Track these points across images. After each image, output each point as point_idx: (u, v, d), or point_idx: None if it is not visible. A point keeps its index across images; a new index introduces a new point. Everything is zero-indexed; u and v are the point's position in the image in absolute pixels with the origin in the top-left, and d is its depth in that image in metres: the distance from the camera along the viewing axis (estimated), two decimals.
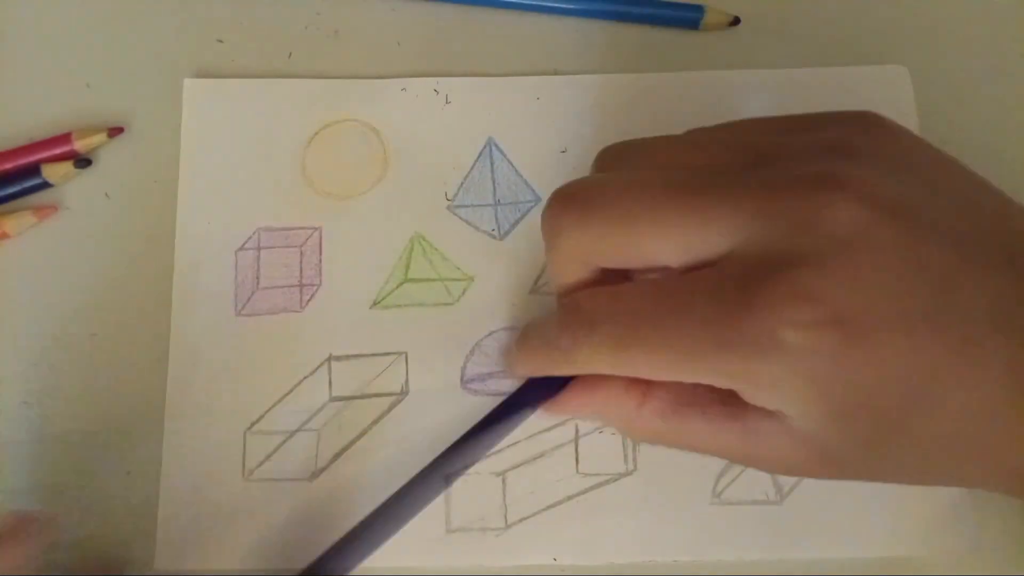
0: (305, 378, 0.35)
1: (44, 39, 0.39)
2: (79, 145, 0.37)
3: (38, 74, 0.38)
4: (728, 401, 0.26)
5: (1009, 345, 0.23)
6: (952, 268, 0.24)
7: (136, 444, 0.34)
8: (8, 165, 0.37)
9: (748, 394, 0.25)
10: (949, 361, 0.23)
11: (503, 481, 0.34)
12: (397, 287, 0.35)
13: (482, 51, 0.38)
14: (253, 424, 0.34)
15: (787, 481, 0.33)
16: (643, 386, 0.28)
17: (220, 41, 0.39)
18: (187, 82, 0.37)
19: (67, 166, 0.36)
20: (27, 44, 0.39)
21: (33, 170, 0.36)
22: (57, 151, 0.37)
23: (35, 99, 0.38)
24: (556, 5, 0.38)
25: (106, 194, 0.37)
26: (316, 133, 0.37)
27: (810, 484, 0.33)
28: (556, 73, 0.38)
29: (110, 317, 0.36)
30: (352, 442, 0.34)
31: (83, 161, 0.36)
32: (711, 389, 0.26)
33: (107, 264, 0.36)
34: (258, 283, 0.36)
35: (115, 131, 0.37)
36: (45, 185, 0.37)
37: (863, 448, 0.25)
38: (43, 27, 0.39)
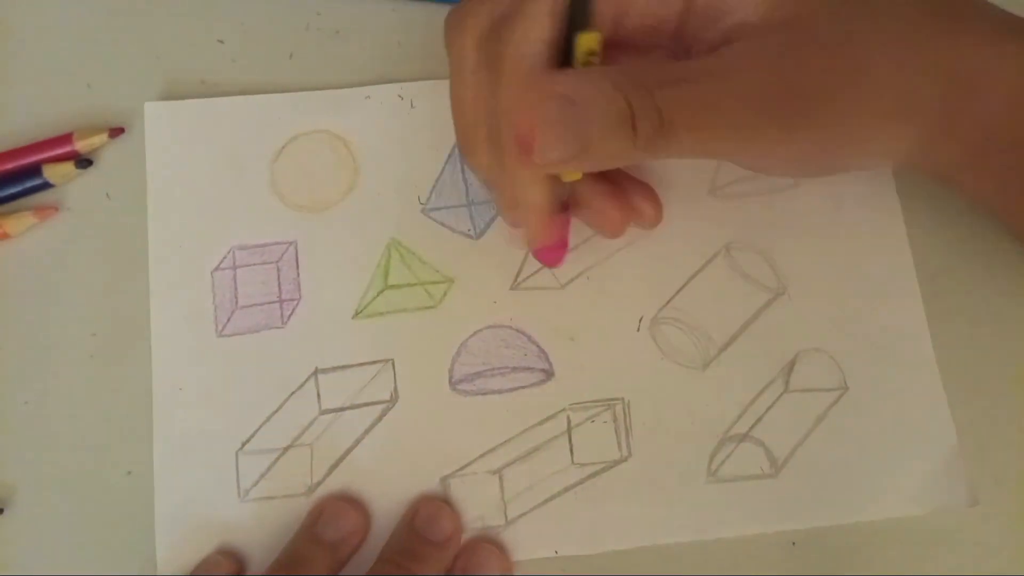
0: (293, 393, 0.35)
1: (45, 40, 0.39)
2: (80, 145, 0.36)
3: (39, 74, 0.38)
4: None
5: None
6: None
7: (136, 444, 0.34)
8: (10, 165, 0.36)
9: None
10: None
11: (500, 478, 0.34)
12: (378, 295, 0.35)
13: None
14: (244, 444, 0.34)
15: (781, 453, 0.34)
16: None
17: (221, 42, 0.38)
18: (148, 106, 0.37)
19: (68, 166, 0.36)
20: (28, 44, 0.39)
21: (34, 170, 0.36)
22: (58, 151, 0.36)
23: (36, 99, 0.38)
24: None
25: (107, 194, 0.37)
26: (283, 147, 0.37)
27: (803, 455, 0.34)
28: None
29: (110, 317, 0.35)
30: (346, 453, 0.34)
31: (84, 162, 0.36)
32: None
33: (107, 264, 0.36)
34: (237, 302, 0.35)
35: (116, 131, 0.37)
36: (46, 185, 0.36)
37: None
38: (44, 28, 0.39)
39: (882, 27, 0.28)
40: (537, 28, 0.28)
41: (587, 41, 0.28)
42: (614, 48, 0.30)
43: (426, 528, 0.32)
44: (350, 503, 0.33)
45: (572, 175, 0.31)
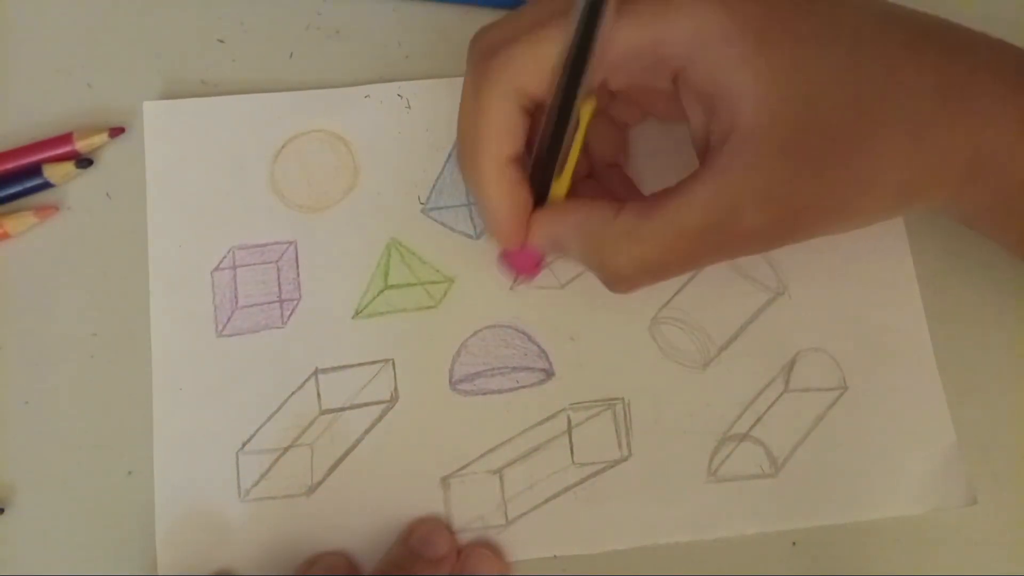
0: (293, 393, 0.35)
1: (44, 39, 0.39)
2: (80, 145, 0.36)
3: (39, 74, 0.38)
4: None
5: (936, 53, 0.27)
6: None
7: (136, 444, 0.34)
8: (10, 165, 0.36)
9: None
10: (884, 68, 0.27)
11: (500, 478, 0.34)
12: (378, 295, 0.35)
13: None
14: (244, 444, 0.34)
15: (781, 453, 0.34)
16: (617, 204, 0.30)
17: (221, 41, 0.38)
18: (147, 105, 0.37)
19: (68, 166, 0.36)
20: (28, 44, 0.38)
21: (34, 170, 0.36)
22: (58, 151, 0.36)
23: (36, 99, 0.38)
24: None
25: (107, 194, 0.37)
26: (283, 147, 0.37)
27: (802, 454, 0.34)
28: None
29: (111, 317, 0.35)
30: (346, 453, 0.34)
31: (84, 161, 0.36)
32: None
33: (108, 264, 0.36)
34: (237, 302, 0.35)
35: (116, 131, 0.37)
36: (46, 185, 0.36)
37: (804, 163, 0.27)
38: (44, 27, 0.39)
39: (896, 119, 0.27)
40: (531, 62, 0.29)
41: (588, 109, 0.29)
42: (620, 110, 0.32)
43: (421, 546, 0.32)
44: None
45: (559, 191, 0.31)
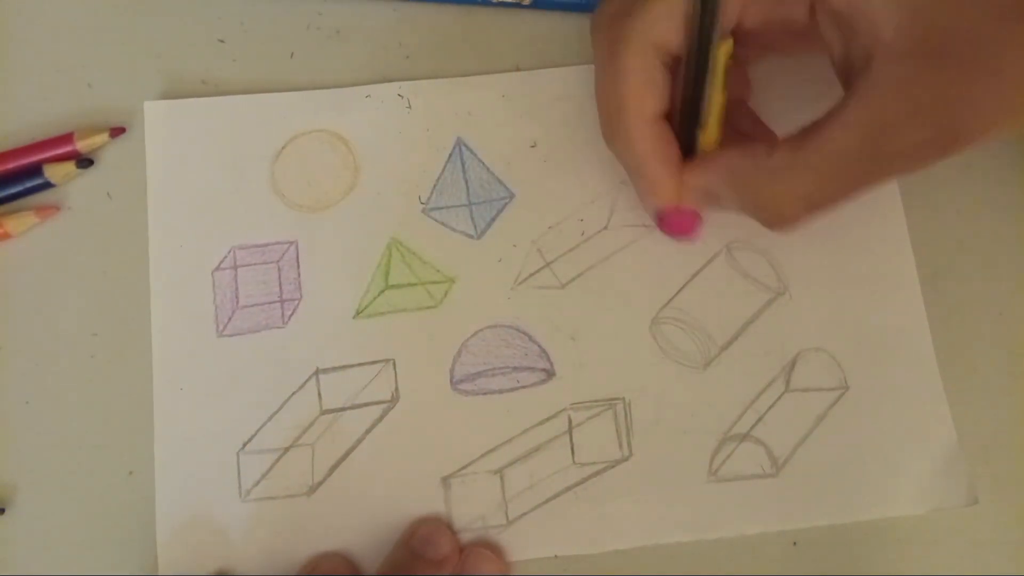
0: (294, 393, 0.35)
1: (45, 39, 0.39)
2: (81, 145, 0.36)
3: (39, 74, 0.38)
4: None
5: None
6: None
7: (136, 444, 0.34)
8: (10, 165, 0.36)
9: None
10: None
11: (501, 478, 0.34)
12: (379, 295, 0.35)
13: (483, 50, 0.38)
14: (245, 444, 0.34)
15: (782, 453, 0.34)
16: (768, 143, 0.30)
17: (222, 41, 0.38)
18: (148, 105, 0.37)
19: (69, 166, 0.36)
20: (28, 44, 0.38)
21: (35, 170, 0.36)
22: (59, 151, 0.36)
23: (37, 99, 0.38)
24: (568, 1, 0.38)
25: (108, 194, 0.37)
26: (284, 147, 0.37)
27: (803, 454, 0.34)
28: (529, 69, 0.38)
29: (111, 317, 0.35)
30: (347, 453, 0.34)
31: (85, 161, 0.36)
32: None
33: (108, 264, 0.36)
34: (238, 302, 0.35)
35: (117, 131, 0.37)
36: (47, 185, 0.36)
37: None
38: (44, 27, 0.39)
39: (1011, 30, 0.27)
40: (666, 16, 0.29)
41: (724, 51, 0.29)
42: (741, 48, 0.31)
43: (423, 547, 0.32)
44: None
45: (708, 141, 0.31)
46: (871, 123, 0.27)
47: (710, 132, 0.31)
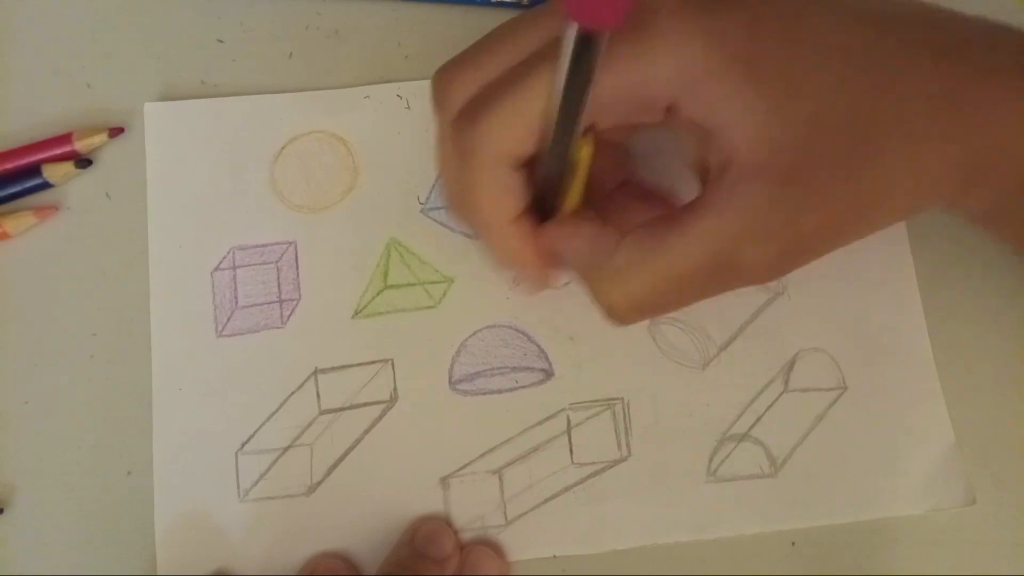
0: (293, 393, 0.35)
1: (44, 39, 0.39)
2: (80, 145, 0.36)
3: (39, 74, 0.38)
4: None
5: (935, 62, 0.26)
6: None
7: (135, 444, 0.34)
8: (9, 165, 0.36)
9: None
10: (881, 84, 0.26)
11: (500, 478, 0.34)
12: (377, 295, 0.35)
13: None
14: (244, 444, 0.34)
15: (780, 453, 0.34)
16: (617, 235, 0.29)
17: (221, 41, 0.38)
18: (148, 106, 0.37)
19: (68, 166, 0.36)
20: (27, 44, 0.38)
21: (34, 170, 0.36)
22: (58, 151, 0.36)
23: (36, 99, 0.38)
24: None
25: (106, 194, 0.37)
26: (283, 147, 0.37)
27: (802, 454, 0.34)
28: None
29: (110, 317, 0.36)
30: (346, 453, 0.34)
31: (84, 161, 0.36)
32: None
33: (108, 264, 0.36)
34: (237, 302, 0.35)
35: (116, 131, 0.37)
36: (46, 185, 0.36)
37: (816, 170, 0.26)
38: (43, 27, 0.39)
39: (895, 133, 0.26)
40: (516, 124, 0.27)
41: (586, 153, 0.28)
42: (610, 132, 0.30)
43: (425, 546, 0.32)
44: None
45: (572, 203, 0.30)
46: (716, 243, 0.26)
47: (570, 205, 0.30)
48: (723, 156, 0.27)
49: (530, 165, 0.28)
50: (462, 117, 0.28)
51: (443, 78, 0.29)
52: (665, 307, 0.30)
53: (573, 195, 0.30)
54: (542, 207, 0.30)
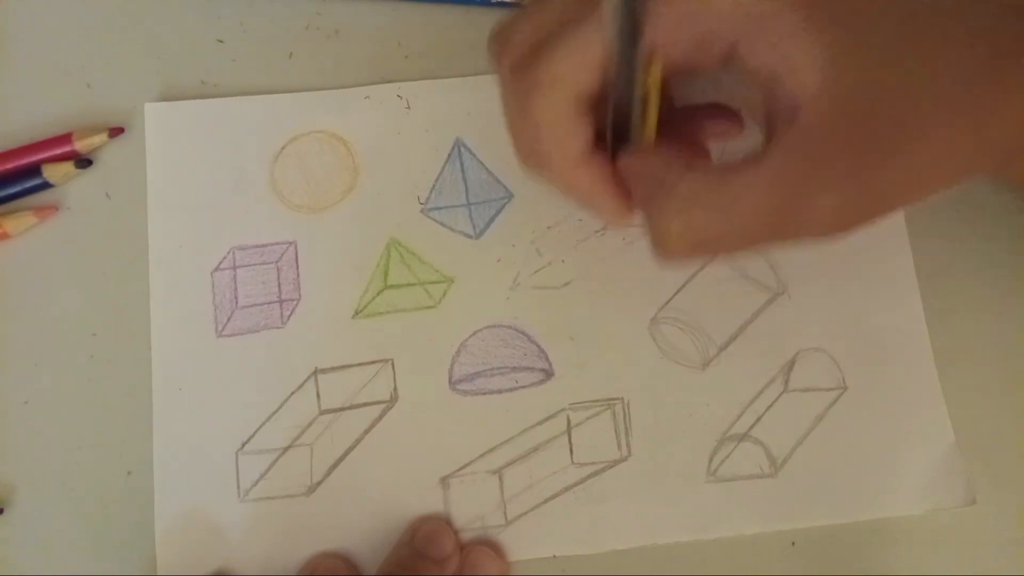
0: (293, 393, 0.35)
1: (44, 39, 0.39)
2: (80, 145, 0.36)
3: (38, 74, 0.38)
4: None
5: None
6: None
7: (136, 444, 0.34)
8: (9, 165, 0.36)
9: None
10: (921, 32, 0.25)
11: (500, 478, 0.34)
12: (377, 295, 0.35)
13: (483, 50, 0.38)
14: (244, 444, 0.34)
15: (780, 453, 0.34)
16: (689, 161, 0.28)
17: (221, 41, 0.38)
18: (148, 107, 0.37)
19: (68, 166, 0.36)
20: (27, 44, 0.38)
21: (34, 170, 0.36)
22: (58, 151, 0.36)
23: (36, 99, 0.38)
24: None
25: (106, 194, 0.37)
26: (283, 148, 0.37)
27: (802, 454, 0.34)
28: None
29: (110, 317, 0.36)
30: (346, 453, 0.34)
31: (84, 161, 0.36)
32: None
33: (108, 264, 0.36)
34: (237, 302, 0.35)
35: (115, 131, 0.37)
36: (46, 185, 0.36)
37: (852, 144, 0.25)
38: (43, 27, 0.39)
39: (952, 94, 0.25)
40: (577, 55, 0.27)
41: (654, 75, 0.27)
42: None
43: (426, 546, 0.32)
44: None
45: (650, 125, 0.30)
46: (792, 180, 0.26)
47: (644, 136, 0.29)
48: (790, 101, 0.26)
49: (597, 106, 0.28)
50: (522, 60, 0.28)
51: (500, 32, 0.29)
52: (720, 246, 0.28)
53: (647, 126, 0.29)
54: (617, 147, 0.30)
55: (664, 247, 0.28)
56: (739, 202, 0.26)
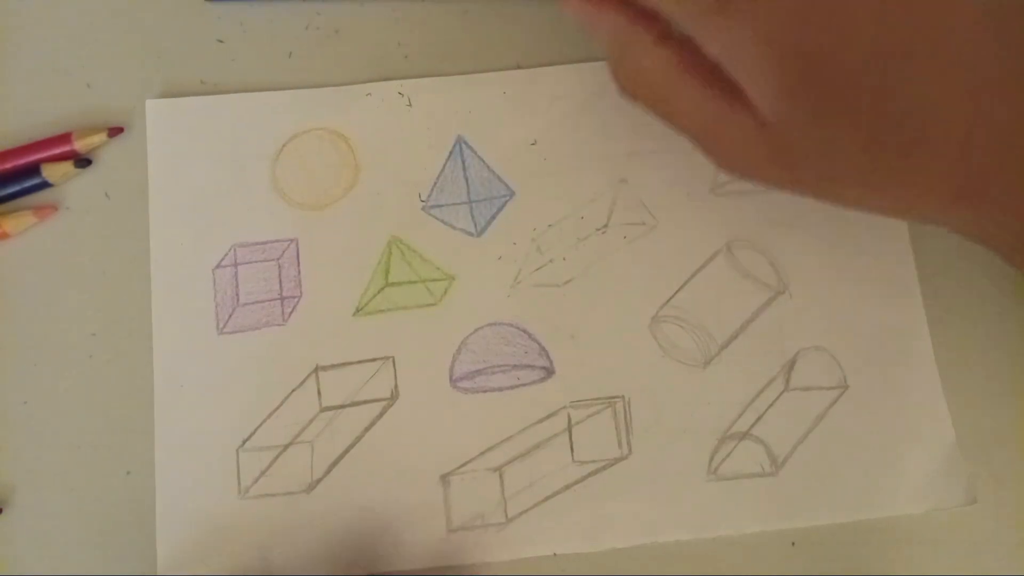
0: (294, 391, 0.35)
1: (45, 39, 0.38)
2: (79, 145, 0.36)
3: (39, 74, 0.38)
4: (725, 88, 0.27)
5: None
6: None
7: (136, 444, 0.34)
8: (8, 165, 0.36)
9: (724, 61, 0.26)
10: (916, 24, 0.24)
11: (500, 476, 0.34)
12: (378, 292, 0.35)
13: (483, 48, 0.38)
14: (245, 441, 0.34)
15: (781, 451, 0.34)
16: (663, 30, 0.28)
17: (220, 41, 0.38)
18: (150, 103, 0.37)
19: (67, 166, 0.36)
20: (28, 44, 0.38)
21: (33, 170, 0.36)
22: (57, 151, 0.36)
23: (36, 99, 0.38)
24: None
25: (106, 194, 0.37)
26: (284, 145, 0.37)
27: (803, 453, 0.34)
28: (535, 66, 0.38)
29: (110, 317, 0.35)
30: (346, 450, 0.34)
31: (83, 161, 0.36)
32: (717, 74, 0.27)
33: (107, 263, 0.36)
34: (238, 300, 0.35)
35: (115, 131, 0.37)
36: (45, 185, 0.36)
37: (812, 125, 0.25)
38: (44, 27, 0.39)
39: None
40: None
41: None
42: None
43: None
44: None
45: None
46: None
47: None
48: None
49: None
50: None
51: None
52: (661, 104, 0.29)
53: None
54: None
55: (619, 73, 0.29)
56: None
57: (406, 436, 0.34)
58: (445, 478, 0.34)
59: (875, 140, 0.25)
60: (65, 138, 0.36)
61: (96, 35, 0.38)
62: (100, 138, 0.37)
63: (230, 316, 0.35)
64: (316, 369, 0.35)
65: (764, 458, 0.34)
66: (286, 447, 0.34)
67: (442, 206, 0.36)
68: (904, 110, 0.25)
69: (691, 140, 0.29)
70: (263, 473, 0.34)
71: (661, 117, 0.29)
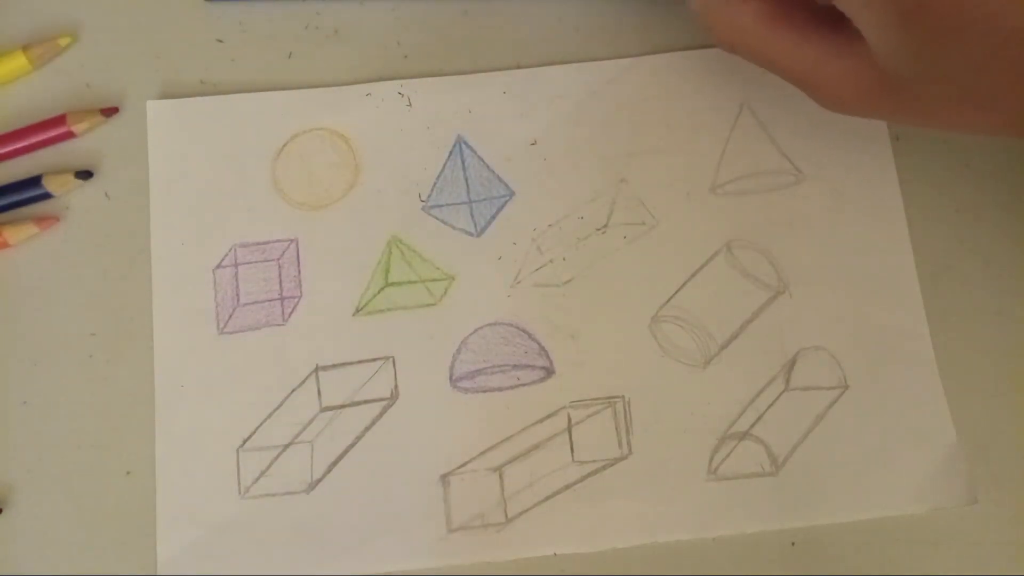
0: (294, 390, 0.35)
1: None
2: (73, 127, 0.36)
3: (37, 73, 0.38)
4: (820, 26, 0.29)
5: None
6: None
7: (136, 444, 0.34)
8: (4, 149, 0.36)
9: None
10: None
11: (500, 476, 0.34)
12: (378, 292, 0.35)
13: (483, 47, 0.38)
14: (245, 441, 0.34)
15: (781, 451, 0.34)
16: None
17: (220, 41, 0.38)
18: (150, 104, 0.37)
19: (68, 176, 0.36)
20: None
21: (34, 181, 0.36)
22: (52, 133, 0.36)
23: (34, 98, 0.38)
24: None
25: (106, 194, 0.37)
26: (284, 145, 0.37)
27: (803, 453, 0.34)
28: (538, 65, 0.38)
29: (110, 317, 0.35)
30: (346, 450, 0.34)
31: (84, 173, 0.36)
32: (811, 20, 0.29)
33: (107, 264, 0.36)
34: (238, 300, 0.35)
35: (109, 111, 0.37)
36: (46, 196, 0.36)
37: (926, 50, 0.26)
38: (43, 27, 0.38)
39: None
40: None
41: None
42: None
43: None
44: None
45: None
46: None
47: None
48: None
49: None
50: None
51: None
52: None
53: None
54: None
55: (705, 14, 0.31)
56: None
57: (406, 436, 0.34)
58: (445, 478, 0.34)
59: (987, 60, 0.26)
60: (59, 120, 0.36)
61: (96, 35, 0.38)
62: (95, 119, 0.37)
63: (230, 316, 0.35)
64: (316, 369, 0.35)
65: (764, 458, 0.34)
66: (286, 447, 0.34)
67: (442, 206, 0.36)
68: (1014, 27, 0.25)
69: (794, 85, 0.31)
70: (263, 473, 0.34)
71: (761, 66, 0.31)
